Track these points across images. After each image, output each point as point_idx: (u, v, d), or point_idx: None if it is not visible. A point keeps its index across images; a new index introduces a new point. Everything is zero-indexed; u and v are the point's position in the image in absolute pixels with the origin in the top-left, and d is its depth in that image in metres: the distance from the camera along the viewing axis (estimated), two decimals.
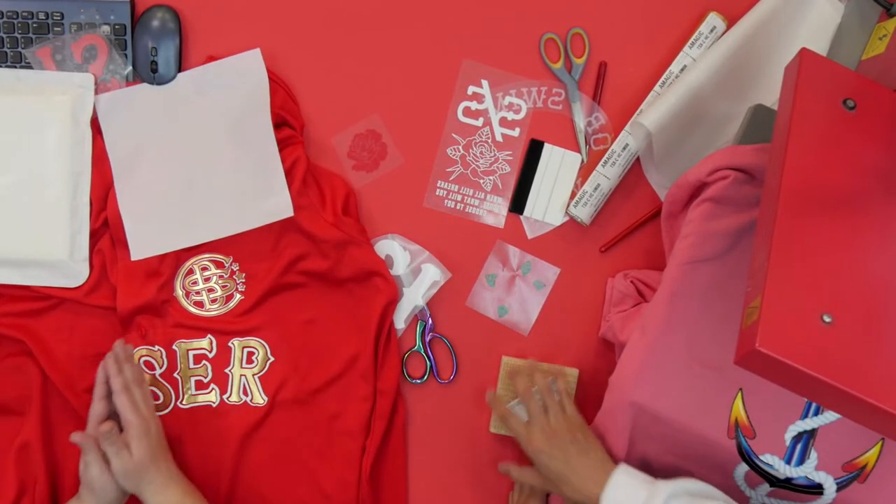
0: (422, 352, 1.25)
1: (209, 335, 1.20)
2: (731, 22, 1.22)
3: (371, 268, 1.20)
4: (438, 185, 1.25)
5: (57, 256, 1.15)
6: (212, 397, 1.20)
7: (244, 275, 1.20)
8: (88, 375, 1.19)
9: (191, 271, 1.20)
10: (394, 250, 1.23)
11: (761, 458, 1.09)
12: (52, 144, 1.15)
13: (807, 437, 1.08)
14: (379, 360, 1.22)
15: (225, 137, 1.18)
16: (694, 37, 1.22)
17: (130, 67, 1.20)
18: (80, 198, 1.16)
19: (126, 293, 1.18)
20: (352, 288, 1.21)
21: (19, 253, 1.15)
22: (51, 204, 1.15)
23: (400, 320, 1.24)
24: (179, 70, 1.21)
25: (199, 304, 1.20)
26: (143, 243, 1.17)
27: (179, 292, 1.20)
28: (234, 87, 1.18)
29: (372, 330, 1.20)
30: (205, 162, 1.17)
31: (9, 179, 1.15)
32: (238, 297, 1.20)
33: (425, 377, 1.25)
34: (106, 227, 1.19)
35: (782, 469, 1.09)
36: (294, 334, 1.21)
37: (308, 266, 1.20)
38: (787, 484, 1.10)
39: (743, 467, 1.10)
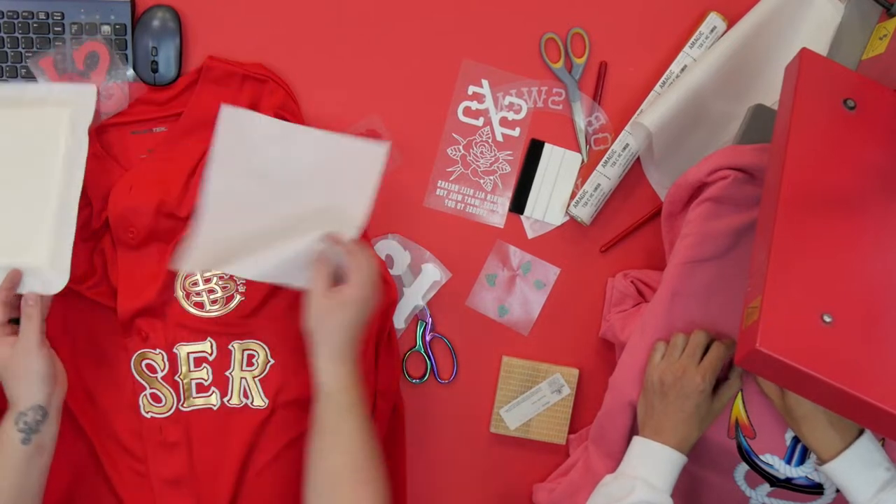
0: (422, 352, 1.25)
1: (209, 338, 1.20)
2: (731, 22, 1.22)
3: None
4: (438, 185, 1.25)
5: (36, 263, 1.12)
6: (212, 400, 1.20)
7: None
8: (86, 375, 1.19)
9: (191, 272, 1.20)
10: (394, 250, 1.23)
11: (762, 458, 1.09)
12: (45, 153, 1.14)
13: None
14: (379, 361, 1.22)
15: (318, 204, 1.15)
16: (694, 37, 1.22)
17: (131, 69, 1.20)
18: (67, 208, 1.13)
19: (126, 295, 1.18)
20: None
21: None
22: (36, 210, 1.13)
23: (400, 320, 1.24)
24: (180, 70, 1.21)
25: (200, 305, 1.20)
26: (197, 258, 1.13)
27: (180, 293, 1.20)
28: (348, 169, 1.15)
29: (372, 331, 1.20)
30: (291, 215, 1.14)
31: None
32: (238, 297, 1.20)
33: (425, 377, 1.25)
34: (106, 228, 1.19)
35: (783, 469, 1.09)
36: (294, 336, 1.21)
37: None
38: (787, 484, 1.10)
39: (743, 467, 1.10)
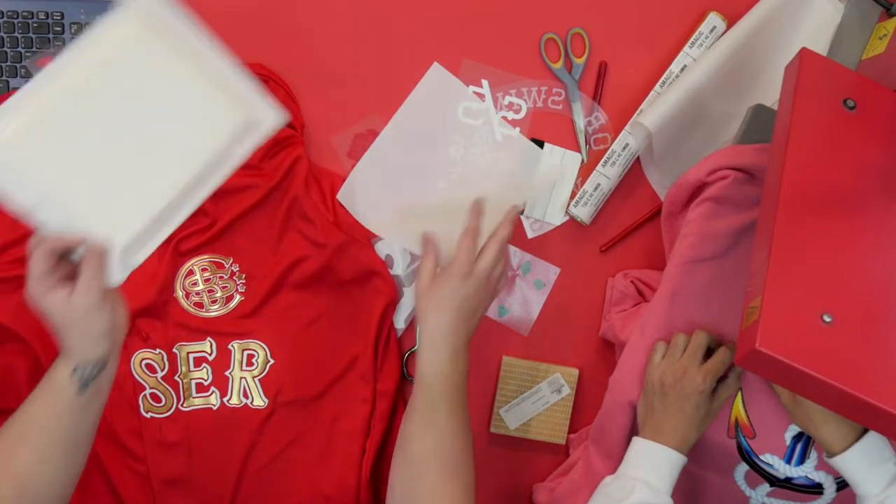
0: None
1: (209, 338, 1.20)
2: (731, 22, 1.22)
3: (371, 268, 1.20)
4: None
5: (112, 244, 0.94)
6: (212, 400, 1.20)
7: (244, 276, 1.20)
8: None
9: (191, 272, 1.20)
10: (394, 250, 1.23)
11: (761, 457, 1.09)
12: (201, 149, 0.97)
13: (807, 437, 1.08)
14: (379, 361, 1.22)
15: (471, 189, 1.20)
16: (694, 37, 1.22)
17: None
18: (174, 215, 0.97)
19: (126, 295, 1.17)
20: (351, 289, 1.21)
21: (80, 219, 0.94)
22: (149, 191, 0.96)
23: (400, 320, 1.24)
24: None
25: (200, 305, 1.20)
26: (353, 196, 1.21)
27: (179, 293, 1.20)
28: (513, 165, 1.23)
29: (372, 331, 1.20)
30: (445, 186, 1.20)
31: (158, 116, 0.96)
32: (238, 297, 1.20)
33: None
34: None
35: (782, 469, 1.09)
36: (294, 336, 1.21)
37: (309, 267, 1.20)
38: (787, 484, 1.10)
39: (743, 467, 1.10)
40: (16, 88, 1.19)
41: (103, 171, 0.94)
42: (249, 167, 1.19)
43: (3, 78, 1.20)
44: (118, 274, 0.95)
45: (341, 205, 1.22)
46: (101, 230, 0.93)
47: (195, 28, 0.97)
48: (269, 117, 0.99)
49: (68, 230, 0.92)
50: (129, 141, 0.95)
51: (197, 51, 0.97)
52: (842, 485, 1.08)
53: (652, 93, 1.23)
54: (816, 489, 1.09)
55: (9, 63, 1.19)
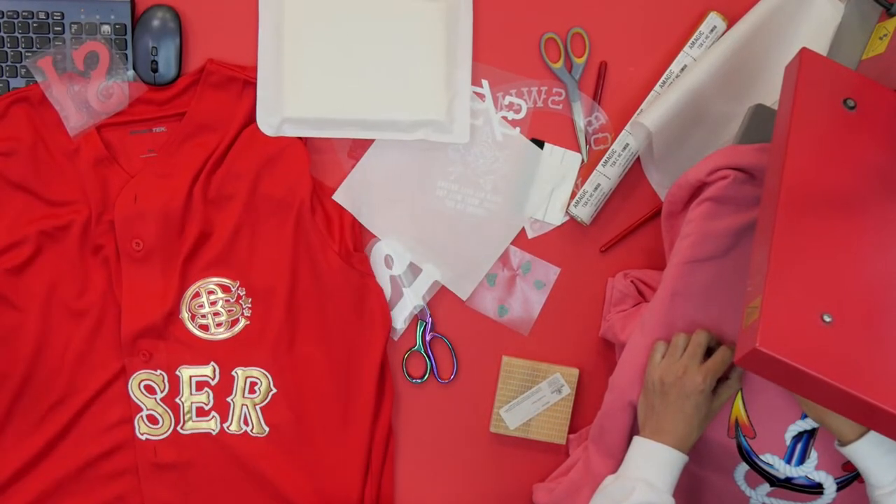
0: (422, 352, 1.25)
1: (213, 362, 1.19)
2: (731, 22, 1.22)
3: (371, 299, 1.20)
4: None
5: (434, 118, 1.20)
6: (212, 425, 1.19)
7: (250, 300, 1.20)
8: (74, 333, 1.19)
9: (197, 294, 1.19)
10: (393, 251, 1.23)
11: (761, 457, 1.09)
12: (428, 37, 1.21)
13: (807, 437, 1.08)
14: (377, 395, 1.21)
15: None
16: (694, 37, 1.22)
17: (131, 69, 1.20)
18: (457, 75, 1.21)
19: (131, 314, 1.17)
20: (352, 320, 1.21)
21: (404, 115, 1.20)
22: (428, 78, 1.21)
23: (400, 320, 1.24)
24: (180, 70, 1.21)
25: (205, 328, 1.19)
26: (352, 196, 1.22)
27: (185, 315, 1.19)
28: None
29: (372, 367, 1.20)
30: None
31: (393, 61, 1.20)
32: (243, 322, 1.19)
33: (425, 377, 1.25)
34: (108, 233, 1.18)
35: (782, 469, 1.09)
36: (296, 366, 1.20)
37: (311, 295, 1.19)
38: (787, 484, 1.10)
39: (743, 467, 1.10)
40: (16, 88, 1.20)
41: (328, 67, 1.20)
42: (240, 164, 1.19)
43: (4, 78, 1.20)
44: (462, 133, 1.22)
45: (346, 233, 1.21)
46: (292, 96, 1.19)
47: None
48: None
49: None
50: (362, 62, 1.20)
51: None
52: (842, 485, 1.09)
53: (652, 93, 1.23)
54: (817, 489, 1.09)
55: (9, 63, 1.19)
